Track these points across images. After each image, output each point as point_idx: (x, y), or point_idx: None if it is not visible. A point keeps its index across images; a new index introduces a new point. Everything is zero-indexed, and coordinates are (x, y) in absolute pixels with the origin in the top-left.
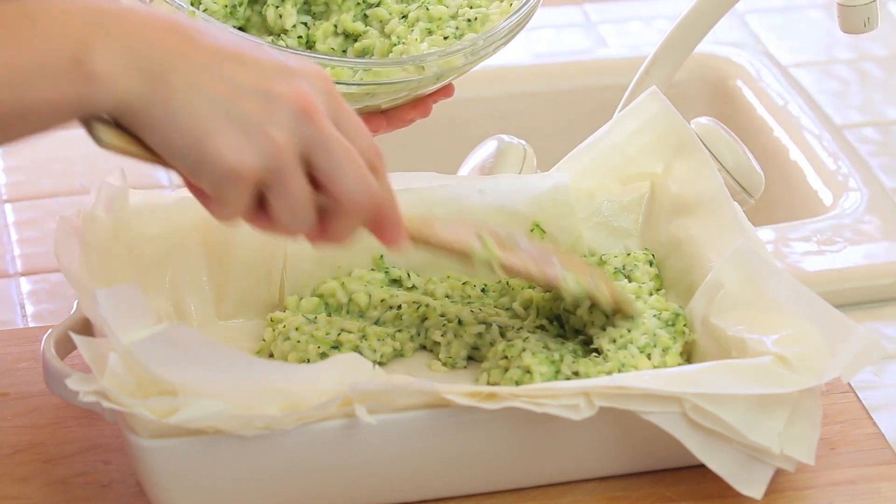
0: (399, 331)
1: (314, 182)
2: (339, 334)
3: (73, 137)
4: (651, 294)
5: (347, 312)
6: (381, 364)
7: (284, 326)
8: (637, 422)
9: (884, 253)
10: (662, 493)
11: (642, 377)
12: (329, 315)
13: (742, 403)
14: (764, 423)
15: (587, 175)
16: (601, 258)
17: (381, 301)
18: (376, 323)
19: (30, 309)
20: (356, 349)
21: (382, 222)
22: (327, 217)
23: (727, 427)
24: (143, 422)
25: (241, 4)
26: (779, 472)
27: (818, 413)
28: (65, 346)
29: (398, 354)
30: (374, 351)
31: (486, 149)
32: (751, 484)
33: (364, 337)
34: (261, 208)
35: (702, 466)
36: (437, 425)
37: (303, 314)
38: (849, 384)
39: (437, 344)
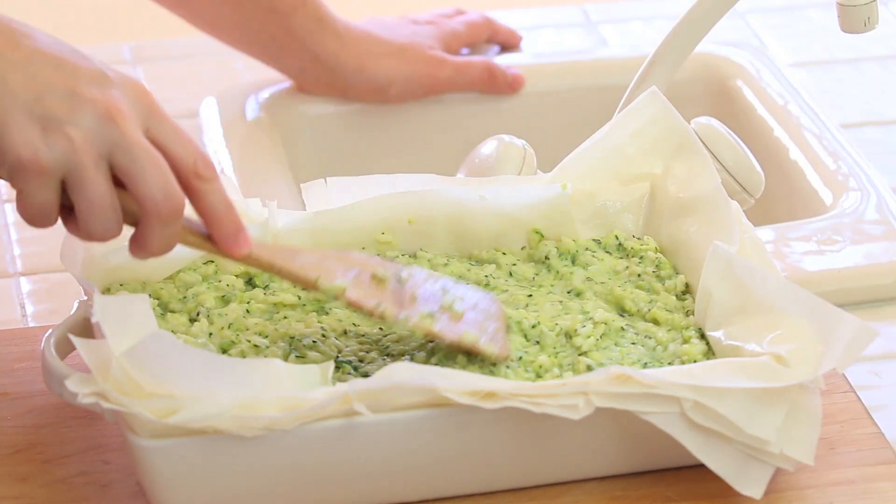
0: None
1: (121, 185)
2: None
3: None
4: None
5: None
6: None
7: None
8: (637, 422)
9: (884, 253)
10: (662, 493)
11: (642, 372)
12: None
13: (740, 398)
14: (762, 418)
15: (587, 176)
16: (618, 238)
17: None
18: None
19: (30, 309)
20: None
21: (216, 229)
22: (139, 224)
23: (726, 423)
24: (142, 422)
25: None
26: (779, 472)
27: (817, 413)
28: (65, 346)
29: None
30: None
31: (486, 149)
32: (750, 483)
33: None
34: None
35: (702, 466)
36: (436, 425)
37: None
38: (849, 384)
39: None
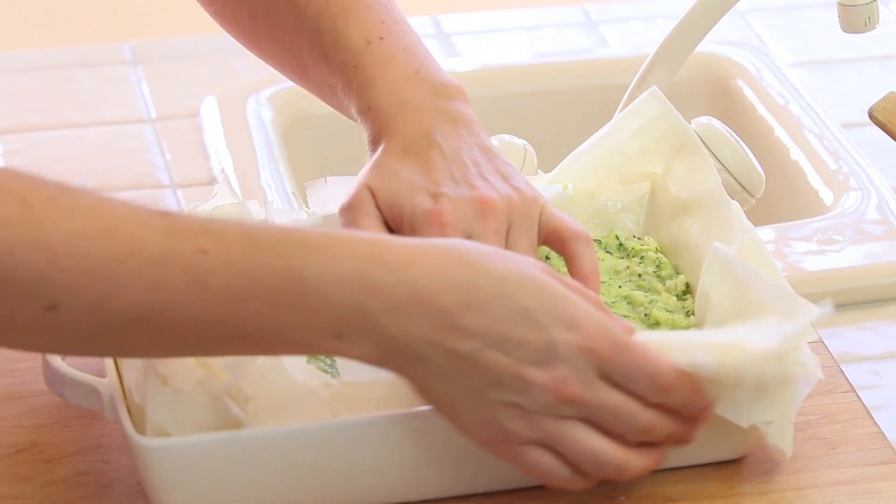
0: None
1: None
2: None
3: (75, 137)
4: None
5: None
6: None
7: None
8: None
9: (884, 252)
10: (662, 493)
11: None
12: None
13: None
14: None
15: (588, 175)
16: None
17: None
18: None
19: None
20: None
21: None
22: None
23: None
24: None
25: None
26: (779, 472)
27: (792, 393)
28: None
29: None
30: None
31: None
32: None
33: None
34: None
35: (702, 466)
36: (437, 425)
37: None
38: (849, 384)
39: None
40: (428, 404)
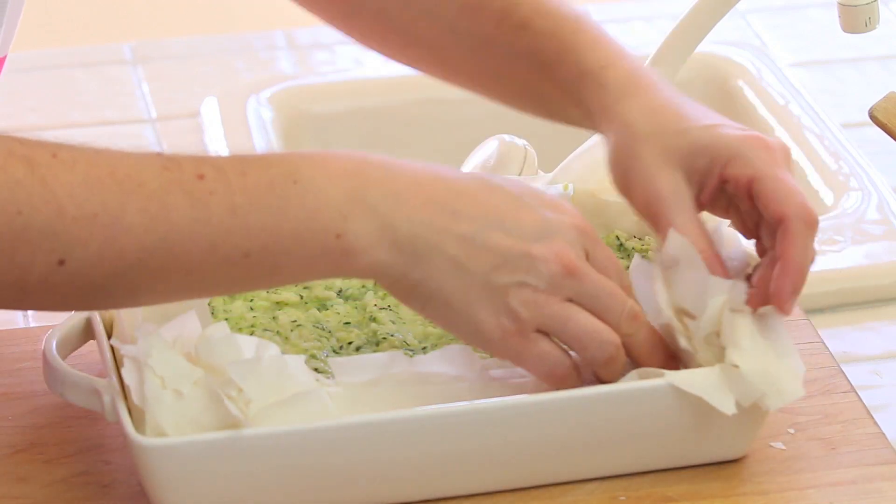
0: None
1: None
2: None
3: (75, 137)
4: None
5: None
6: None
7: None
8: (637, 422)
9: (884, 253)
10: (662, 493)
11: None
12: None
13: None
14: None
15: (588, 175)
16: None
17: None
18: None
19: None
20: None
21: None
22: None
23: None
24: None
25: None
26: (779, 472)
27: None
28: (66, 346)
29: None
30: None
31: (487, 149)
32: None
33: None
34: None
35: (702, 466)
36: (437, 425)
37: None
38: (849, 384)
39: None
40: (438, 313)
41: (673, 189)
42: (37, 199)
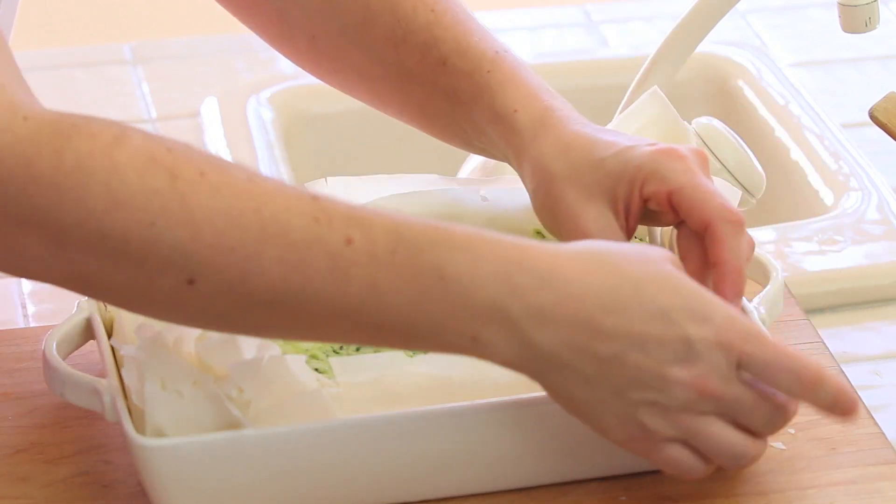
0: None
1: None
2: None
3: None
4: None
5: None
6: None
7: None
8: None
9: (884, 253)
10: (662, 493)
11: None
12: None
13: None
14: None
15: None
16: None
17: None
18: None
19: (31, 309)
20: None
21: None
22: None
23: None
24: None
25: None
26: (779, 472)
27: None
28: (66, 346)
29: None
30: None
31: None
32: None
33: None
34: None
35: None
36: (437, 425)
37: None
38: (849, 384)
39: None
40: (565, 408)
41: (601, 225)
42: (172, 217)
